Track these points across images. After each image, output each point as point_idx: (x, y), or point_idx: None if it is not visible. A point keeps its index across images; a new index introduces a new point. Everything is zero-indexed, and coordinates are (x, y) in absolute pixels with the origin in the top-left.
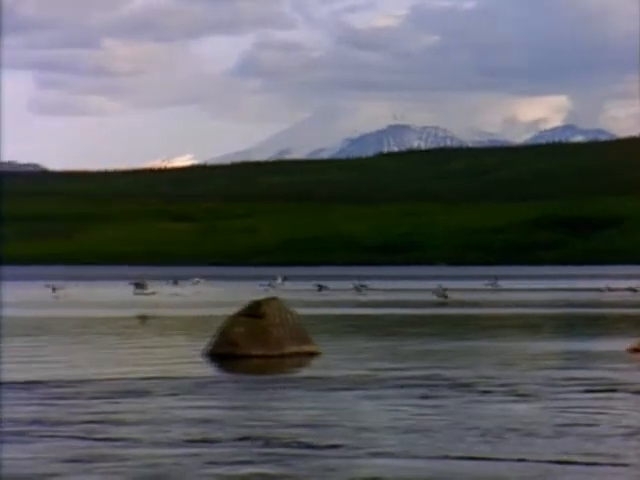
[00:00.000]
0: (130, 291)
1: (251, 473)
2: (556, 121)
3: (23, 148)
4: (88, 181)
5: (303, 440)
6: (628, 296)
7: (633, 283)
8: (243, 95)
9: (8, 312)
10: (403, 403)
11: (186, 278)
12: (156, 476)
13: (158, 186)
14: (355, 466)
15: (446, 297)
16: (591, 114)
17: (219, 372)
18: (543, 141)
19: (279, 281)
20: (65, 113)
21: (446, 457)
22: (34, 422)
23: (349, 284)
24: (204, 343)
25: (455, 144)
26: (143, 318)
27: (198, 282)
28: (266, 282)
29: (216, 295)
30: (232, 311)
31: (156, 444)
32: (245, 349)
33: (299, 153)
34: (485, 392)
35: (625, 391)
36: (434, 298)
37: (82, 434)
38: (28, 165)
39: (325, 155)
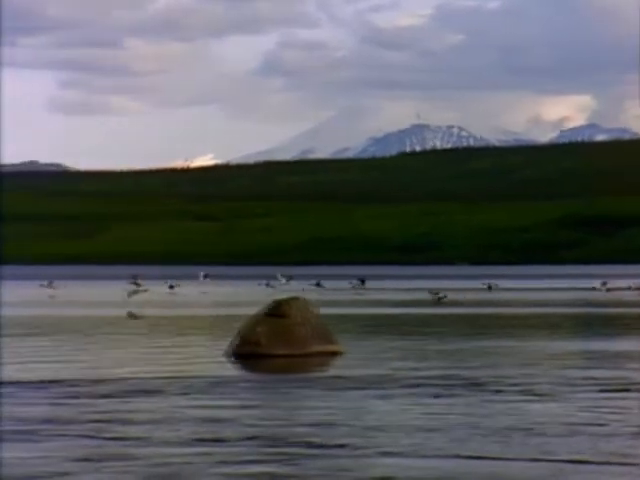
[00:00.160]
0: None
1: (260, 472)
2: (580, 120)
3: (45, 148)
4: (110, 181)
5: (314, 439)
6: (634, 295)
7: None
8: (266, 95)
9: (25, 312)
10: (417, 402)
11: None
12: (167, 475)
13: (180, 186)
14: (366, 465)
15: (445, 296)
16: (615, 113)
17: (238, 372)
18: (567, 140)
19: (283, 281)
20: (87, 113)
21: (458, 456)
22: (45, 421)
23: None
24: (225, 343)
25: (478, 143)
26: (132, 316)
27: (204, 280)
28: (264, 281)
29: (225, 295)
30: (244, 311)
31: (166, 443)
32: (268, 348)
33: (322, 153)
34: (499, 391)
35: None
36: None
37: (92, 433)
38: (50, 165)
39: (349, 155)
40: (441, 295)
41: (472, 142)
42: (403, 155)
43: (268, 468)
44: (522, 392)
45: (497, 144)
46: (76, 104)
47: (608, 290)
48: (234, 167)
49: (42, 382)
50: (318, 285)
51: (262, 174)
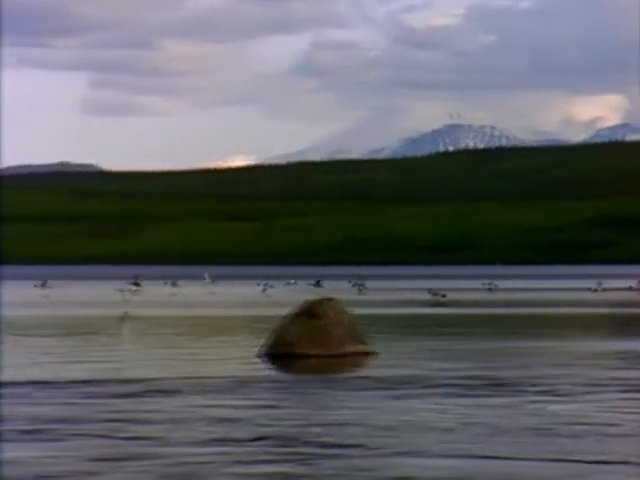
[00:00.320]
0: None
1: (275, 472)
2: (613, 120)
3: (78, 149)
4: (144, 181)
5: (329, 439)
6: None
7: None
8: (299, 95)
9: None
10: (438, 402)
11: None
12: (182, 475)
13: (214, 186)
14: (382, 465)
15: (444, 296)
16: None
17: (268, 372)
18: (600, 140)
19: (292, 282)
20: (121, 114)
21: (476, 456)
22: (62, 420)
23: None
24: (255, 344)
25: (511, 143)
26: (123, 318)
27: (210, 282)
28: (262, 282)
29: (233, 295)
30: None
31: (182, 443)
32: (302, 349)
33: (355, 153)
34: (523, 392)
35: None
36: (434, 298)
37: (108, 432)
38: (83, 165)
39: (381, 155)
40: (440, 294)
41: (505, 142)
42: (436, 155)
43: (282, 468)
44: (545, 393)
45: (530, 144)
46: (110, 105)
47: (604, 290)
48: (268, 167)
49: (73, 382)
50: (317, 285)
51: (296, 174)
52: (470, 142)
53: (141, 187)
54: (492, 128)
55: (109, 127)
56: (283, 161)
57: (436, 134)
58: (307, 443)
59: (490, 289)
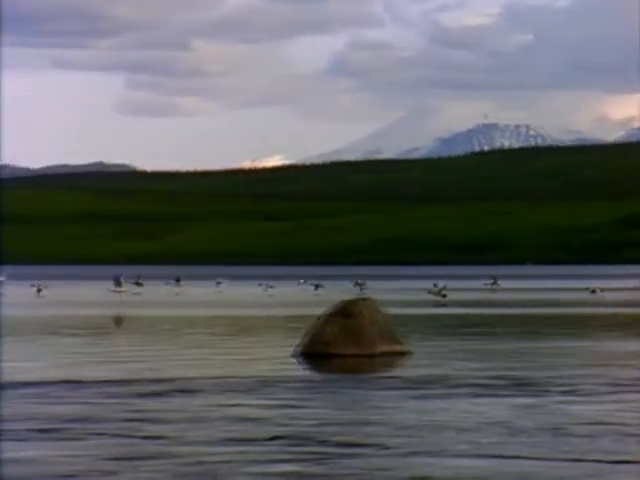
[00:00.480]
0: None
1: (291, 471)
2: None
3: (113, 148)
4: (178, 181)
5: (347, 438)
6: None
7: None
8: (334, 95)
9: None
10: (460, 402)
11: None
12: (199, 474)
13: (248, 186)
14: (399, 465)
15: (444, 296)
16: None
17: (299, 372)
18: (633, 139)
19: (302, 282)
20: (155, 114)
21: (495, 456)
22: (82, 419)
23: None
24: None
25: (545, 143)
26: (118, 320)
27: (221, 283)
28: (263, 283)
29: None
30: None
31: (199, 442)
32: (337, 348)
33: (390, 153)
34: (547, 392)
35: None
36: (435, 298)
37: (126, 432)
38: (118, 165)
39: (417, 155)
40: (441, 294)
41: (540, 141)
42: (471, 155)
43: (299, 467)
44: (569, 393)
45: (566, 143)
46: (144, 105)
47: (602, 290)
48: (302, 167)
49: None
50: (317, 286)
51: (330, 174)
52: (505, 141)
53: (175, 187)
54: (526, 127)
55: (144, 127)
56: (317, 161)
57: (471, 134)
58: (325, 442)
59: (492, 289)
